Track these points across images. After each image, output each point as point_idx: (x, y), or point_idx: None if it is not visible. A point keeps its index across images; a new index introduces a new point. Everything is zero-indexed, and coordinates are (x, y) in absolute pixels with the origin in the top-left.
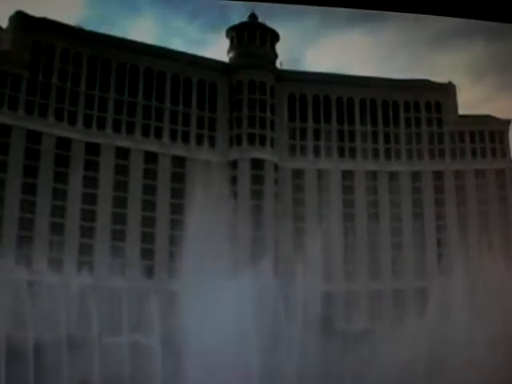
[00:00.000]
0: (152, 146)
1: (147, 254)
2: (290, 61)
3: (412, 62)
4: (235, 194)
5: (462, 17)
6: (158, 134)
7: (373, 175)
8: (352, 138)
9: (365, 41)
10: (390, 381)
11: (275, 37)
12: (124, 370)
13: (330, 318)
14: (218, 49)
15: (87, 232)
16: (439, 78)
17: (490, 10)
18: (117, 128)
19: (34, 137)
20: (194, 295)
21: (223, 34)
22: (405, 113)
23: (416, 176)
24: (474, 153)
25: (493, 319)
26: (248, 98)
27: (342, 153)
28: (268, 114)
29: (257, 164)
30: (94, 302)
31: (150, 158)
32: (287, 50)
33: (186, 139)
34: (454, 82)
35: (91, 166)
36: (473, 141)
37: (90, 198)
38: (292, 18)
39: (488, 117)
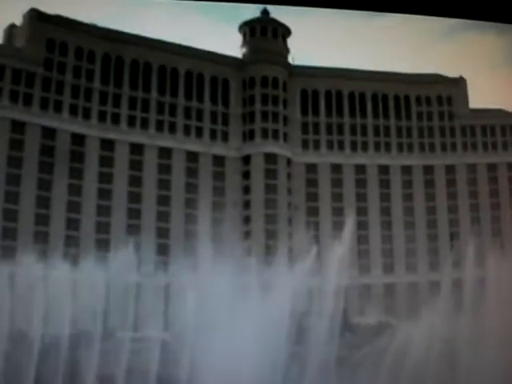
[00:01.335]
0: (166, 142)
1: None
2: (302, 56)
3: (423, 56)
4: (249, 189)
5: (468, 18)
6: (172, 130)
7: (385, 169)
8: (364, 132)
9: (376, 35)
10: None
11: (287, 32)
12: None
13: (345, 311)
14: (231, 44)
15: (103, 227)
16: (450, 71)
17: (495, 10)
18: (131, 123)
19: (48, 133)
20: (209, 291)
21: (236, 29)
22: (416, 107)
23: (428, 169)
24: (485, 146)
25: (503, 312)
26: (261, 93)
27: (354, 147)
28: (281, 108)
29: (270, 158)
30: (111, 298)
31: (164, 153)
32: (299, 44)
33: (199, 134)
34: (466, 75)
35: (106, 161)
36: (484, 134)
37: (105, 194)
38: (304, 13)
39: (499, 111)
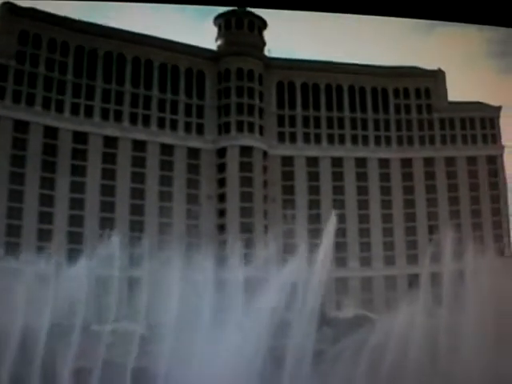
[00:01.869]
0: (140, 134)
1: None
2: (279, 48)
3: (402, 49)
4: (224, 181)
5: (459, 21)
6: (146, 122)
7: (363, 162)
8: (341, 125)
9: (354, 27)
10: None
11: (263, 24)
12: None
13: (322, 304)
14: (206, 37)
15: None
16: (430, 64)
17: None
18: (105, 116)
19: (20, 126)
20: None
21: (211, 21)
22: (394, 99)
23: (406, 162)
24: (464, 139)
25: (482, 304)
26: (236, 85)
27: (331, 139)
28: (256, 101)
29: (245, 151)
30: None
31: (139, 146)
32: (275, 37)
33: (174, 127)
34: (445, 68)
35: (78, 154)
36: (463, 127)
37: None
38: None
39: (478, 103)
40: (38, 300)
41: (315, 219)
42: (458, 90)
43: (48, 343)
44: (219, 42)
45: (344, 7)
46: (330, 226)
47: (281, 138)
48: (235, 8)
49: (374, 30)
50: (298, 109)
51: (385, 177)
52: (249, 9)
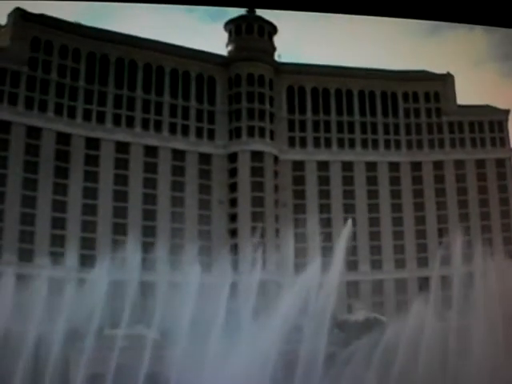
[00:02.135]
0: (152, 140)
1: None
2: (289, 53)
3: (411, 53)
4: (235, 186)
5: (463, 22)
6: (158, 128)
7: (373, 165)
8: (351, 130)
9: (363, 31)
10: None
11: (273, 29)
12: None
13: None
14: (217, 42)
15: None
16: (438, 68)
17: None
18: (117, 122)
19: (33, 132)
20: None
21: (221, 27)
22: (404, 103)
23: (416, 166)
24: (473, 142)
25: (492, 307)
26: (247, 90)
27: (341, 144)
28: (267, 106)
29: (256, 156)
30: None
31: (150, 151)
32: (286, 42)
33: (185, 132)
34: (453, 71)
35: (91, 160)
36: (472, 131)
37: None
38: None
39: (487, 107)
40: (53, 306)
41: (326, 223)
42: (467, 93)
43: (64, 349)
44: (230, 48)
45: (349, 8)
46: (346, 231)
47: (291, 142)
48: (245, 13)
49: (378, 34)
50: (309, 113)
51: (395, 180)
52: (259, 14)
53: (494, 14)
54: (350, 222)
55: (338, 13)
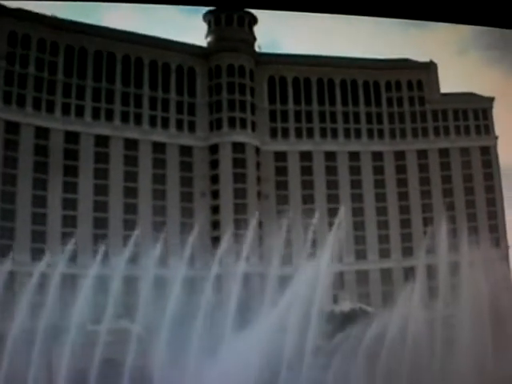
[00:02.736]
0: (132, 133)
1: None
2: (269, 43)
3: (393, 41)
4: (217, 178)
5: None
6: (138, 121)
7: (356, 155)
8: (334, 119)
9: (345, 20)
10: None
11: (253, 19)
12: None
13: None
14: (196, 33)
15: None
16: (422, 56)
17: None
18: (96, 116)
19: (12, 128)
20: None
21: (201, 18)
22: (386, 92)
23: (400, 155)
24: (457, 131)
25: (478, 296)
26: (227, 81)
27: (324, 134)
28: (248, 97)
29: (238, 147)
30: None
31: (131, 144)
32: (266, 32)
33: (165, 125)
34: (437, 60)
35: (70, 154)
36: (456, 119)
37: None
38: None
39: (471, 94)
40: (66, 302)
41: (309, 214)
42: (450, 81)
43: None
44: (209, 39)
45: (337, 8)
46: (337, 220)
47: (273, 133)
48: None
49: (361, 23)
50: (290, 104)
51: (378, 170)
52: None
53: (486, 15)
54: (342, 209)
55: (334, 13)
